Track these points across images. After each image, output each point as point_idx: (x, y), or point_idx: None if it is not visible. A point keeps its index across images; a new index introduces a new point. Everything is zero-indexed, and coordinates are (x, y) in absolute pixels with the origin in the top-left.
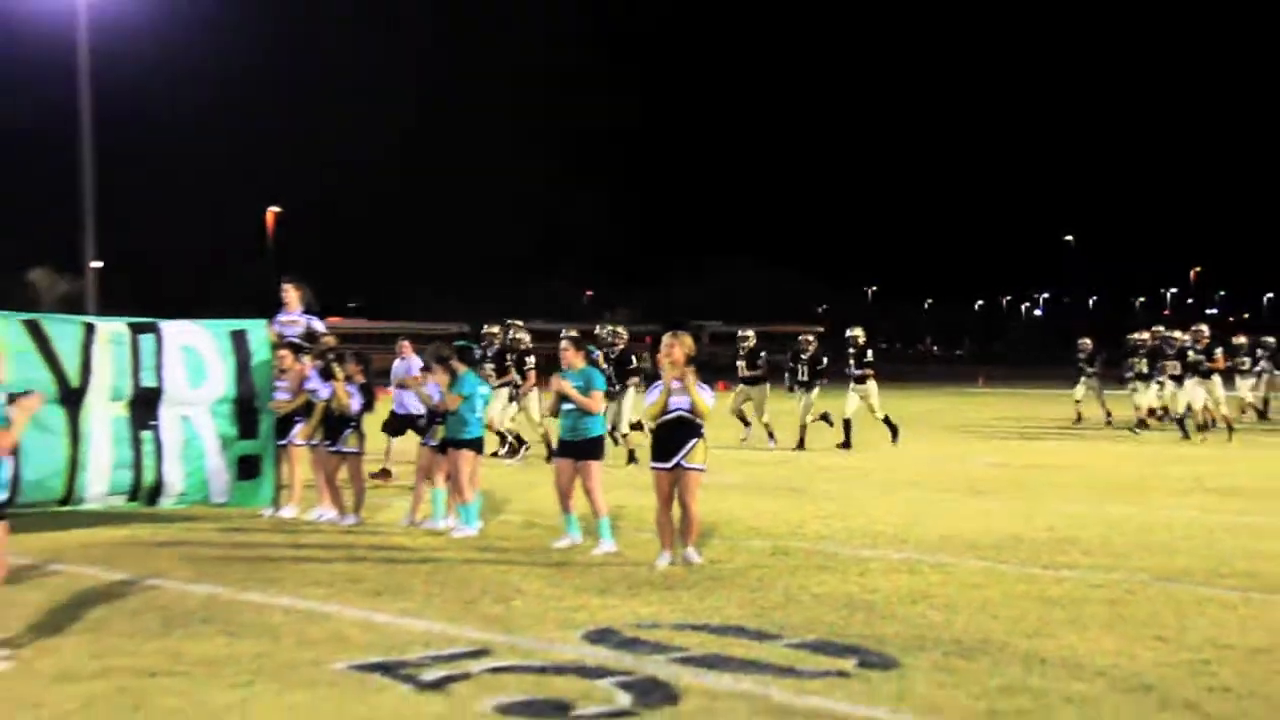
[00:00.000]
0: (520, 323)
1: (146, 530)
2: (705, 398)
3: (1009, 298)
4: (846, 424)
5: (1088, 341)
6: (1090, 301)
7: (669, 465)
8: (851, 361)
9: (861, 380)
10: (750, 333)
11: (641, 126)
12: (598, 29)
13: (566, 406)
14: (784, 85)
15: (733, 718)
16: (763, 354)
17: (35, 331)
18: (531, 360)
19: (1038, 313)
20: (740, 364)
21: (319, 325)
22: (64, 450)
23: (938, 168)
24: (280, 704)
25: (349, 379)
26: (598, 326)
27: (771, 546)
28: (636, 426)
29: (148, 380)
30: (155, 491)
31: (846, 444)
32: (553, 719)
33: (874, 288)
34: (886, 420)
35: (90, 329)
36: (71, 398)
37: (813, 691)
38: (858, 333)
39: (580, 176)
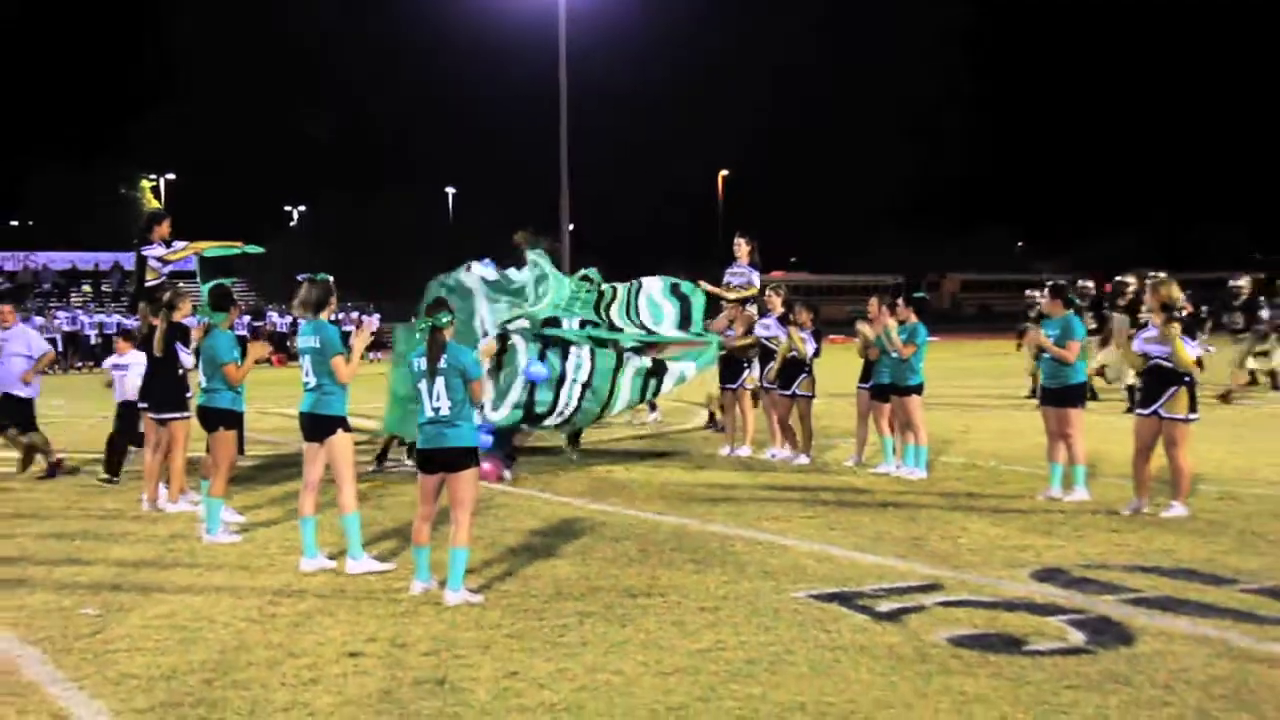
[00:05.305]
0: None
1: (620, 467)
2: (1189, 350)
3: None
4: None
5: (1244, 284)
6: None
7: (1147, 412)
8: None
9: None
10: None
11: (1074, 78)
12: None
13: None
14: (1221, 41)
15: (1191, 660)
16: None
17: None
18: None
19: None
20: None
21: (755, 279)
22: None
23: None
24: (748, 626)
25: (802, 326)
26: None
27: (1219, 491)
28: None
29: (623, 323)
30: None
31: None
32: (1007, 653)
33: None
34: None
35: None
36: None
37: (1277, 639)
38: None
39: (1008, 127)
